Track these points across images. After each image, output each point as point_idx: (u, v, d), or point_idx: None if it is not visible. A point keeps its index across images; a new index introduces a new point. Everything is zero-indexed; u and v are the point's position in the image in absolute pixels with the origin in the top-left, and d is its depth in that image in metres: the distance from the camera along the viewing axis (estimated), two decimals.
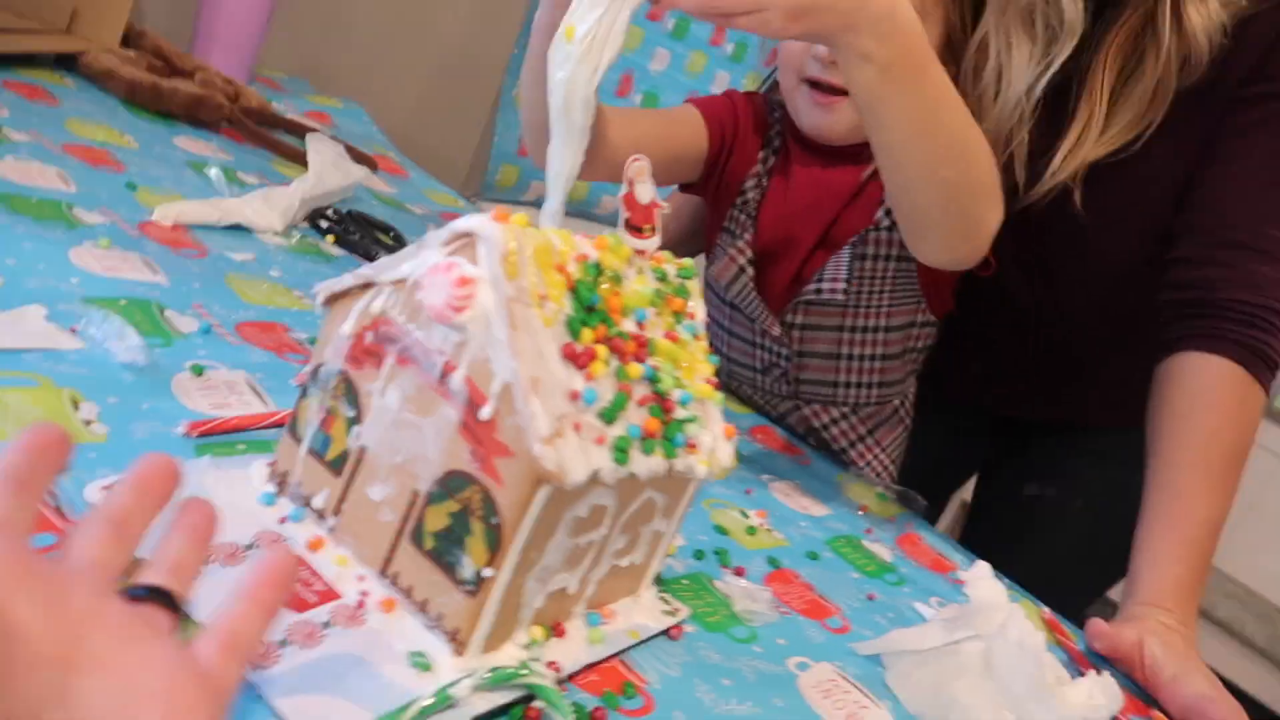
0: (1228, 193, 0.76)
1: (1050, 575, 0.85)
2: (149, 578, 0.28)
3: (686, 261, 0.54)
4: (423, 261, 0.42)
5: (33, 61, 0.90)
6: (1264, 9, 0.75)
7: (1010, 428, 1.04)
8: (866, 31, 0.57)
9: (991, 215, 0.67)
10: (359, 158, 1.04)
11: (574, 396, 0.41)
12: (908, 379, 0.87)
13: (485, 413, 0.40)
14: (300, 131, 1.01)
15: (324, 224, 0.81)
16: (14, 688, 0.22)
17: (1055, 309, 0.90)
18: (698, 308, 0.53)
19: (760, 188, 0.82)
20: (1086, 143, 0.78)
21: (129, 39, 1.00)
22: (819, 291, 0.79)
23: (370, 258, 0.81)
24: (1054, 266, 0.88)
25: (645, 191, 0.51)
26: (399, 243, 0.86)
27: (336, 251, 0.79)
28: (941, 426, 0.96)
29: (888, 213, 0.77)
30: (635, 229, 0.51)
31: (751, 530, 0.66)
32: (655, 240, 0.51)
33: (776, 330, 0.81)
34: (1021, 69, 0.76)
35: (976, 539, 0.96)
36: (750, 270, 0.81)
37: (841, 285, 0.78)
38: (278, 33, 1.24)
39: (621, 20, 0.55)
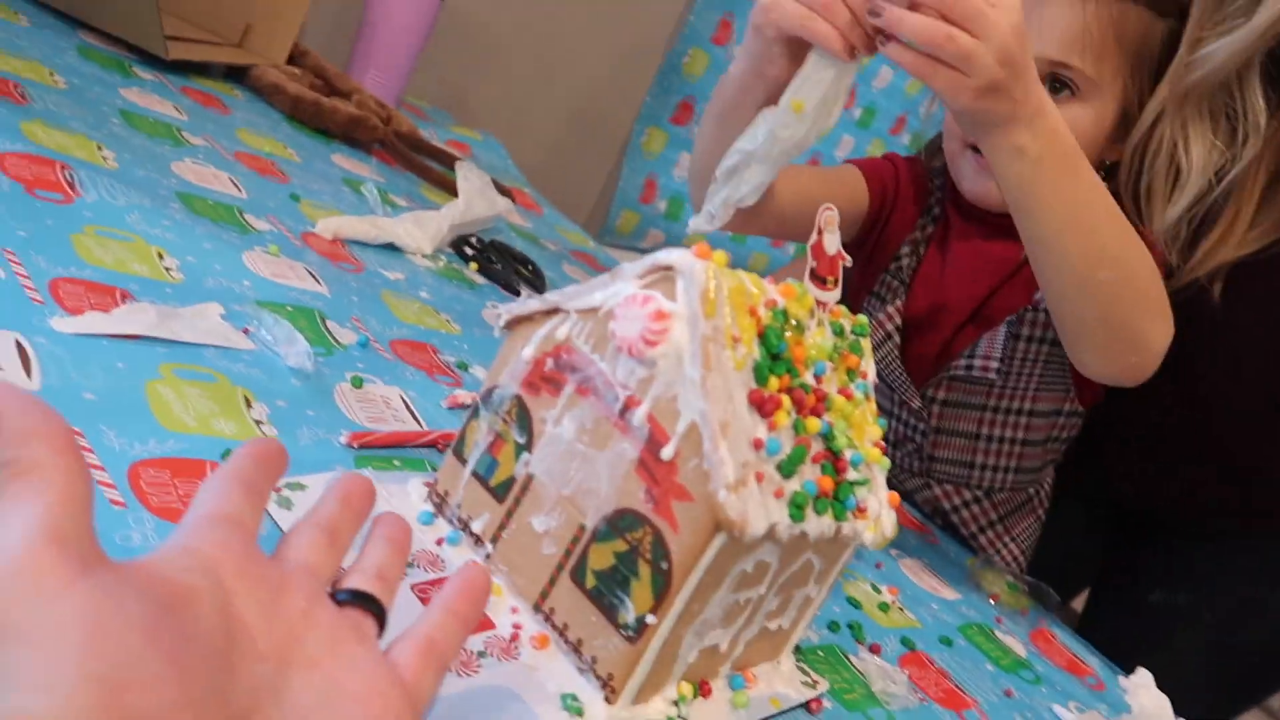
0: None
1: (1171, 692, 0.79)
2: (356, 583, 0.28)
3: (861, 319, 0.52)
4: (617, 292, 0.41)
5: (206, 71, 0.93)
6: None
7: (1140, 527, 0.98)
8: (1024, 124, 0.56)
9: (1158, 329, 0.64)
10: (501, 190, 1.05)
11: (758, 445, 0.40)
12: (1046, 467, 0.84)
13: (667, 452, 0.39)
14: (445, 159, 1.02)
15: (468, 251, 0.82)
16: (236, 678, 0.22)
17: (1195, 405, 0.85)
18: (870, 367, 0.51)
19: (916, 255, 0.80)
20: (1230, 241, 0.75)
21: (294, 57, 1.04)
22: (970, 368, 0.76)
23: (510, 287, 0.81)
24: (1194, 361, 0.83)
25: (833, 242, 0.50)
26: (537, 275, 0.86)
27: (479, 279, 0.80)
28: (1073, 519, 0.92)
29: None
30: (820, 279, 0.49)
31: (884, 607, 0.63)
32: (836, 293, 0.50)
33: (917, 403, 0.79)
34: (1199, 164, 0.72)
35: (1091, 643, 0.90)
36: (897, 338, 0.79)
37: (995, 364, 0.75)
38: (425, 64, 1.27)
39: (845, 85, 0.55)
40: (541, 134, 1.53)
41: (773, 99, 0.55)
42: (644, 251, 1.71)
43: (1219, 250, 0.76)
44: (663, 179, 1.68)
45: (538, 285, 0.84)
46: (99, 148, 0.64)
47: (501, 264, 0.83)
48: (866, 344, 0.51)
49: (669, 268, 0.40)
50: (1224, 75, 0.70)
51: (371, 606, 0.27)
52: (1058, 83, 0.71)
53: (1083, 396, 0.79)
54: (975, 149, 0.74)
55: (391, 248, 0.75)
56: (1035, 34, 0.69)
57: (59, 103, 0.68)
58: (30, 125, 0.62)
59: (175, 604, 0.21)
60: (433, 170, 0.96)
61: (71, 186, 0.57)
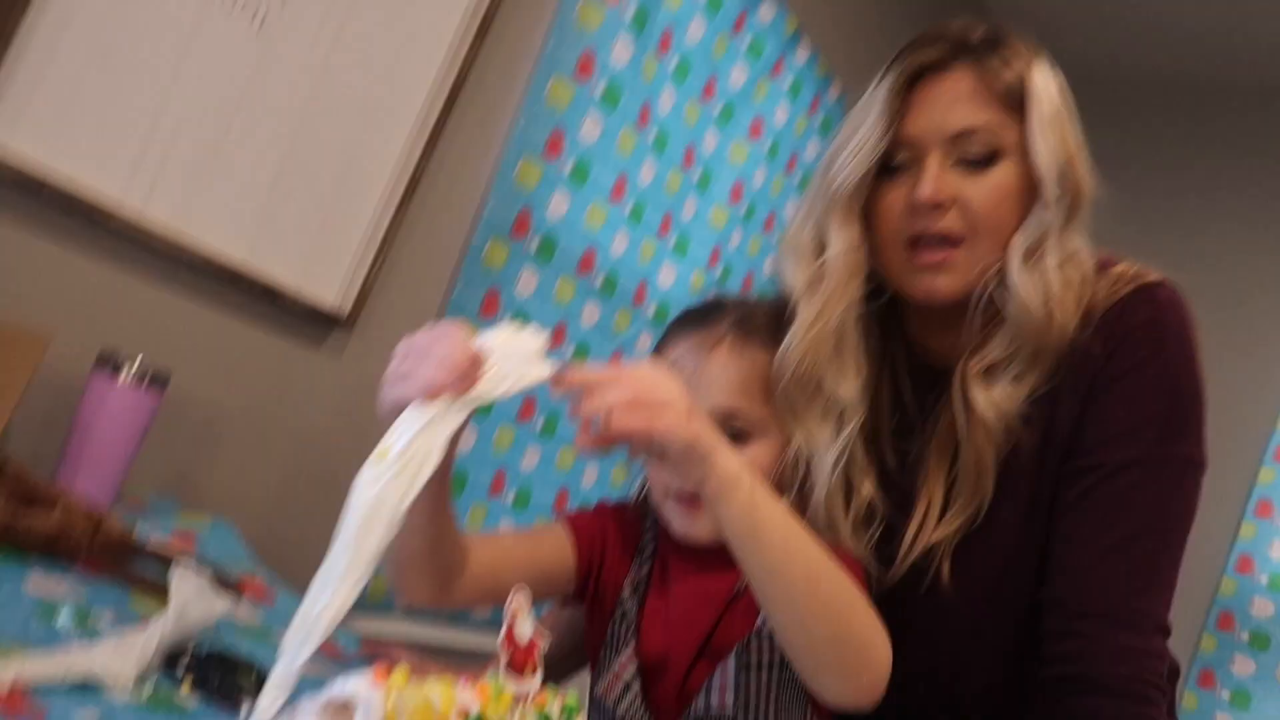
0: (1076, 564, 0.81)
1: None
2: None
3: (570, 699, 0.53)
4: None
5: None
6: (1063, 384, 0.83)
7: None
8: (731, 454, 0.64)
9: (881, 640, 0.69)
10: (225, 585, 1.00)
11: None
12: None
13: None
14: (163, 560, 0.97)
15: (180, 669, 0.76)
16: None
17: (936, 684, 0.91)
18: None
19: (637, 598, 0.83)
20: (929, 526, 0.84)
21: None
22: (708, 706, 0.77)
23: (232, 702, 0.75)
24: (933, 641, 0.90)
25: (526, 628, 0.51)
26: (263, 683, 0.80)
27: (192, 704, 0.74)
28: None
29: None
30: (516, 671, 0.50)
31: None
32: (537, 680, 0.50)
33: None
34: (823, 456, 0.82)
35: None
36: (636, 686, 0.79)
37: (730, 697, 0.77)
38: (148, 450, 1.23)
39: (442, 437, 0.58)
40: (277, 511, 1.49)
41: None
42: (397, 621, 1.65)
43: (923, 534, 0.85)
44: None
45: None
46: None
47: (221, 678, 0.77)
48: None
49: (346, 702, 0.39)
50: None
51: None
52: (732, 431, 0.80)
53: (819, 711, 0.82)
54: (677, 497, 0.81)
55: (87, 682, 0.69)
56: (705, 392, 0.79)
57: None
58: None
59: None
60: (144, 579, 0.91)
61: None
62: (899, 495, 0.89)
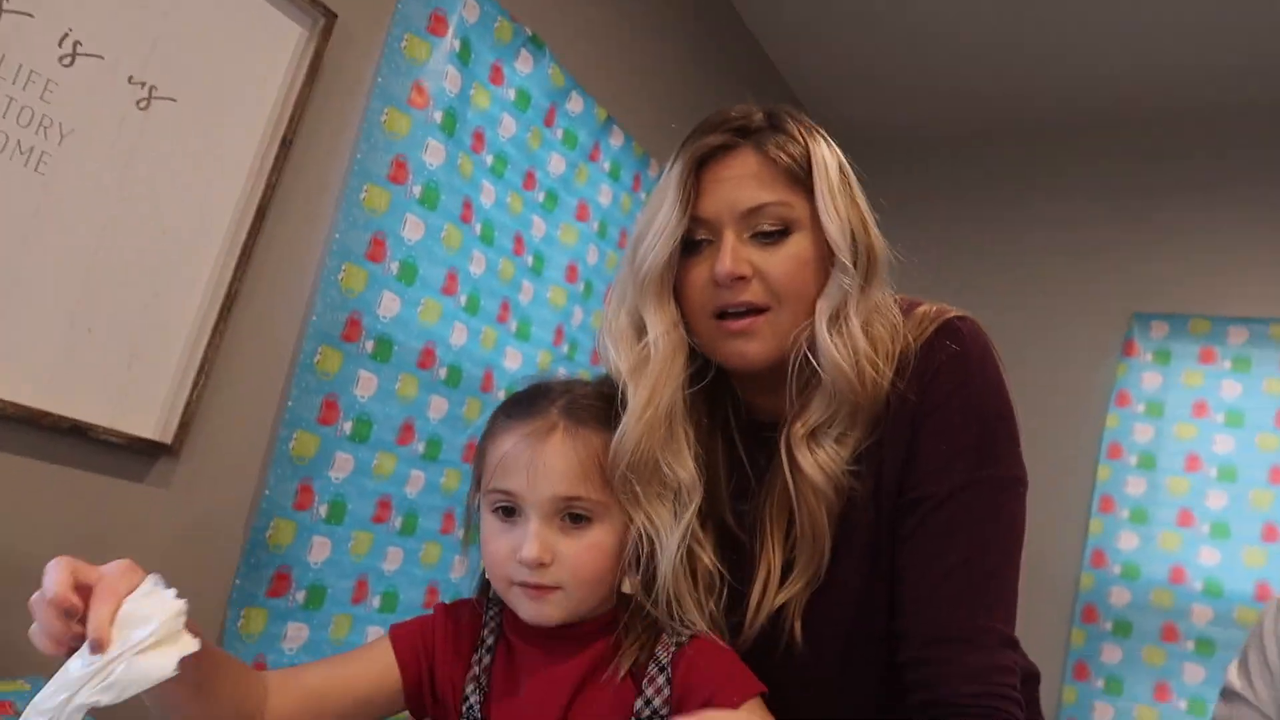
0: (917, 593, 0.84)
1: None
2: None
3: None
4: None
5: None
6: (887, 432, 0.87)
7: None
8: None
9: None
10: None
11: None
12: None
13: None
14: None
15: None
16: None
17: None
18: None
19: (480, 689, 0.82)
20: (771, 589, 0.86)
21: None
22: None
23: None
24: (797, 702, 0.91)
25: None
26: None
27: None
28: None
29: (647, 702, 0.80)
30: None
31: None
32: None
33: None
34: (667, 538, 0.84)
35: None
36: None
37: None
38: None
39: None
40: None
41: None
42: None
43: (766, 598, 0.86)
44: (271, 657, 1.58)
45: None
46: None
47: None
48: None
49: None
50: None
51: None
52: (574, 516, 0.81)
53: None
54: (522, 585, 0.80)
55: None
56: (545, 481, 0.80)
57: None
58: None
59: None
60: None
61: None
62: (741, 558, 0.91)
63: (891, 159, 3.22)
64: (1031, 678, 1.03)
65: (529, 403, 0.86)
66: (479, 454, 0.88)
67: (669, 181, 0.88)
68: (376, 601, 1.78)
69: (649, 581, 0.84)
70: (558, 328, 2.14)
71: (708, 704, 0.80)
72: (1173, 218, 2.88)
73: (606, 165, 2.27)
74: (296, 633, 1.62)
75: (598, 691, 0.81)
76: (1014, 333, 0.95)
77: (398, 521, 1.80)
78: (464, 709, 0.82)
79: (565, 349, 2.18)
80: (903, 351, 0.88)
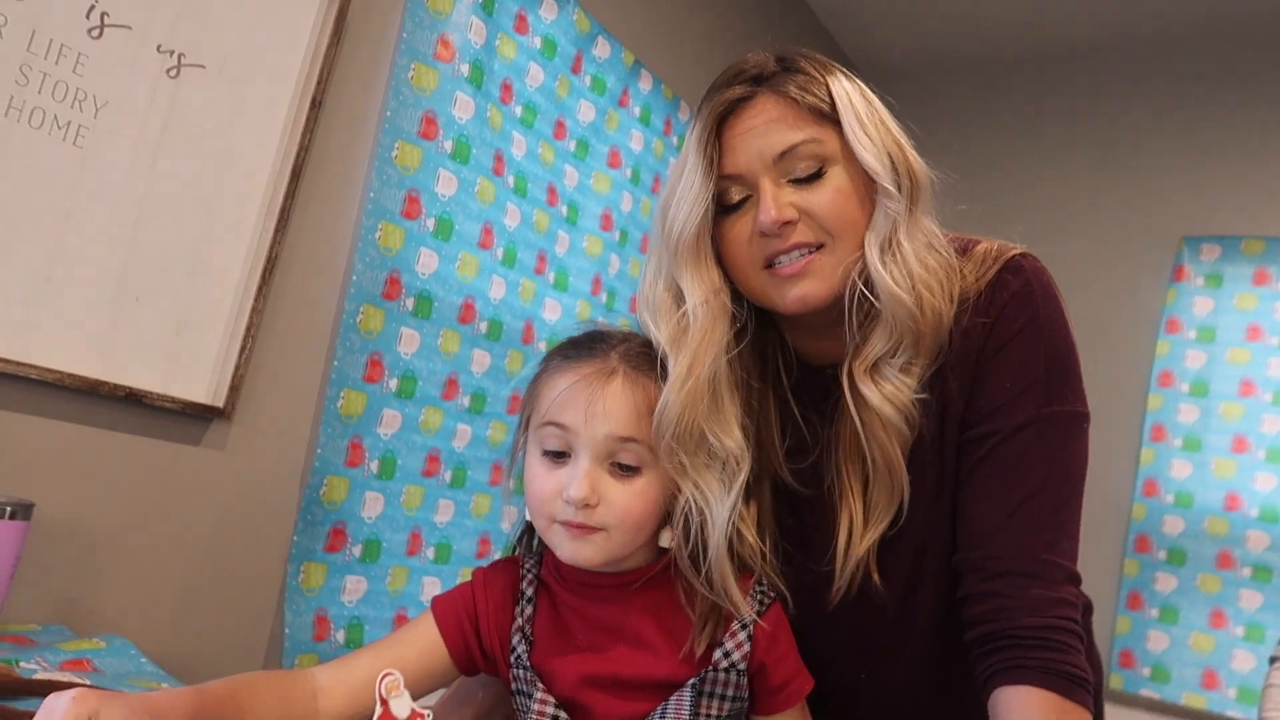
0: (984, 527, 0.84)
1: None
2: None
3: None
4: None
5: None
6: (951, 365, 0.87)
7: None
8: None
9: None
10: None
11: None
12: None
13: None
14: (51, 690, 0.93)
15: None
16: None
17: (878, 685, 0.92)
18: None
19: (526, 639, 0.84)
20: (856, 537, 0.86)
21: None
22: None
23: None
24: (872, 643, 0.92)
25: (402, 707, 0.51)
26: None
27: None
28: None
29: (726, 655, 0.82)
30: None
31: None
32: None
33: None
34: (718, 508, 0.83)
35: None
36: (563, 717, 0.81)
37: None
38: (24, 584, 1.19)
39: None
40: (180, 615, 1.44)
41: None
42: None
43: (852, 548, 0.86)
44: (333, 610, 1.63)
45: None
46: None
47: None
48: None
49: None
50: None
51: None
52: (623, 466, 0.82)
53: None
54: (564, 524, 0.81)
55: None
56: (602, 420, 0.80)
57: None
58: None
59: None
60: (26, 714, 0.87)
61: None
62: (807, 515, 0.91)
63: (929, 89, 3.14)
64: (1086, 610, 1.03)
65: (588, 346, 0.86)
66: (530, 393, 0.88)
67: (690, 145, 0.86)
68: (431, 553, 1.81)
69: (696, 554, 0.83)
70: (595, 277, 2.14)
71: (782, 690, 0.84)
72: (1223, 137, 2.78)
73: (637, 110, 2.24)
74: (355, 585, 1.67)
75: (654, 635, 0.83)
76: (1060, 262, 0.93)
77: (447, 475, 1.83)
78: (512, 659, 0.84)
79: (604, 298, 2.18)
80: (964, 289, 0.87)
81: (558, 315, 2.04)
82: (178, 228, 1.36)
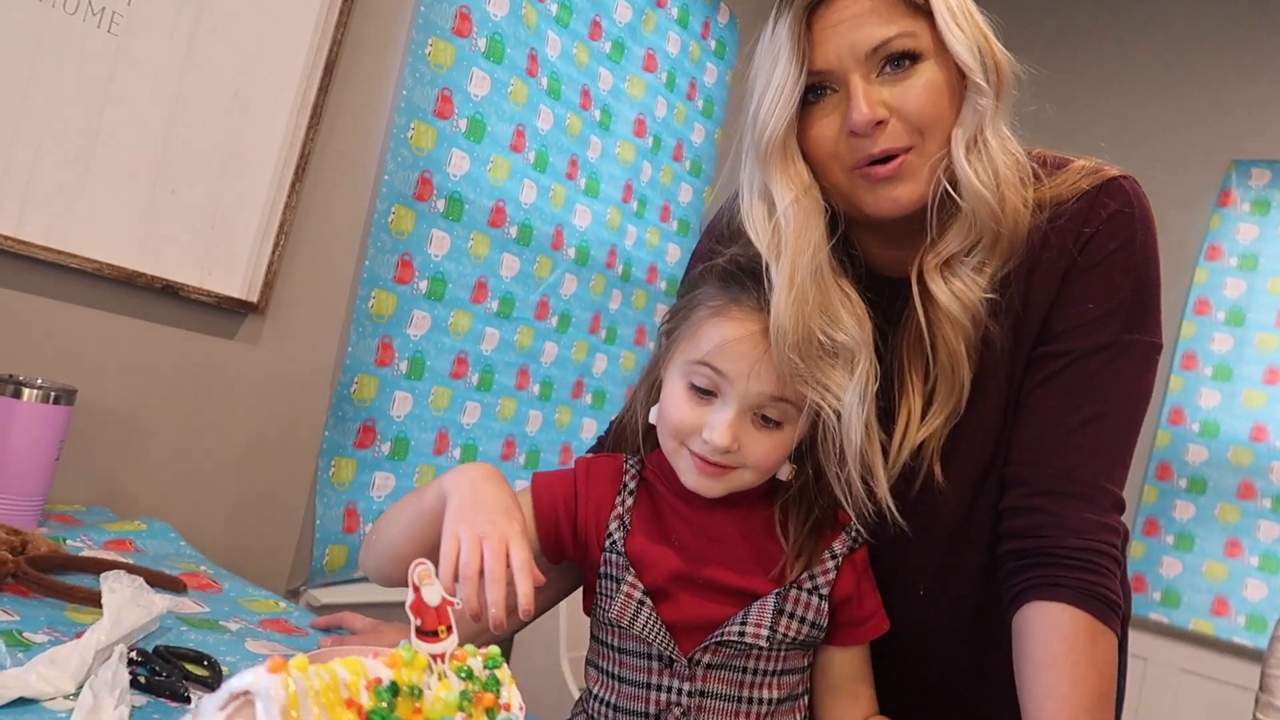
0: (1039, 443, 0.84)
1: None
2: None
3: (492, 652, 0.55)
4: None
5: None
6: (1034, 273, 0.85)
7: None
8: None
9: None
10: (164, 582, 1.01)
11: None
12: None
13: None
14: (98, 568, 0.97)
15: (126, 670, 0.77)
16: None
17: (933, 587, 0.93)
18: (512, 697, 0.53)
19: (624, 526, 0.88)
20: (912, 429, 0.87)
21: None
22: (743, 634, 0.83)
23: (178, 696, 0.77)
24: (930, 541, 0.91)
25: (433, 594, 0.53)
26: (213, 670, 0.82)
27: (141, 699, 0.75)
28: None
29: (811, 576, 0.86)
30: (429, 634, 0.52)
31: None
32: (453, 639, 0.52)
33: (681, 658, 0.84)
34: (849, 406, 0.83)
35: None
36: (649, 602, 0.85)
37: (765, 632, 0.83)
38: (69, 465, 1.23)
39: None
40: (215, 500, 1.49)
41: None
42: (361, 583, 1.67)
43: (908, 438, 0.87)
44: (362, 504, 1.68)
45: (214, 682, 0.80)
46: None
47: (167, 672, 0.79)
48: (503, 673, 0.54)
49: (244, 693, 0.41)
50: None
51: None
52: (765, 418, 0.84)
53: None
54: (700, 460, 0.84)
55: (24, 701, 0.70)
56: (763, 380, 0.82)
57: None
58: None
59: None
60: (78, 589, 0.91)
61: None
62: (879, 413, 0.90)
63: None
64: (1125, 538, 1.03)
65: (755, 291, 0.85)
66: (685, 322, 0.87)
67: (777, 40, 0.82)
68: (458, 454, 1.85)
69: (840, 458, 0.85)
70: (626, 184, 2.12)
71: (859, 625, 0.88)
72: (1277, 53, 2.67)
73: (675, 11, 2.18)
74: (384, 481, 1.71)
75: (744, 550, 0.87)
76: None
77: (475, 377, 1.85)
78: (607, 543, 0.87)
79: (635, 206, 2.16)
80: (1055, 196, 0.85)
81: (588, 222, 2.02)
82: (212, 120, 1.36)
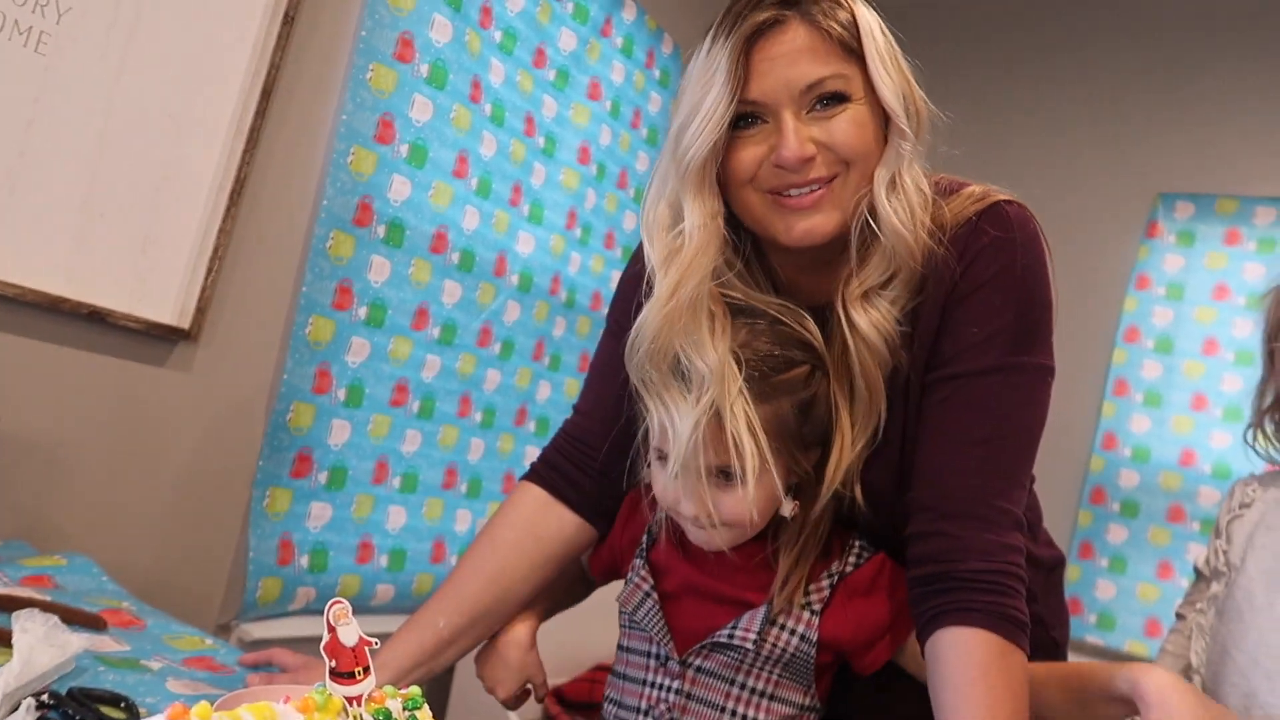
0: (938, 465, 0.86)
1: None
2: None
3: (414, 691, 0.54)
4: None
5: None
6: (923, 300, 0.88)
7: None
8: None
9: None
10: (82, 620, 0.97)
11: None
12: None
13: None
14: (12, 607, 0.94)
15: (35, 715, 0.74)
16: None
17: None
18: None
19: (652, 538, 0.98)
20: (845, 452, 0.89)
21: None
22: (731, 637, 0.88)
23: None
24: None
25: (350, 634, 0.52)
26: (132, 713, 0.79)
27: None
28: None
29: (805, 593, 0.90)
30: (345, 675, 0.51)
31: None
32: (370, 681, 0.51)
33: (675, 656, 0.90)
34: (680, 426, 0.85)
35: None
36: (655, 596, 0.92)
37: (753, 636, 0.87)
38: None
39: None
40: (144, 535, 1.45)
41: None
42: (296, 616, 1.63)
43: (841, 462, 0.89)
44: (297, 535, 1.64)
45: None
46: None
47: (81, 715, 0.76)
48: (424, 714, 0.53)
49: None
50: None
51: None
52: (728, 475, 0.86)
53: (820, 691, 0.91)
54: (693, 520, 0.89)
55: None
56: (705, 443, 0.85)
57: None
58: None
59: None
60: None
61: None
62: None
63: (904, 34, 3.10)
64: (1058, 564, 1.06)
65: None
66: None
67: (714, 62, 0.84)
68: (397, 482, 1.82)
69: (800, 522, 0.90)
70: (570, 211, 2.12)
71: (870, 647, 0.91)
72: (1202, 92, 2.78)
73: (619, 41, 2.20)
74: (320, 512, 1.68)
75: (750, 571, 0.92)
76: (1034, 214, 0.94)
77: (415, 405, 1.83)
78: (637, 550, 0.98)
79: (578, 233, 2.16)
80: (940, 223, 0.87)
81: (531, 248, 2.02)
82: (144, 143, 1.33)
